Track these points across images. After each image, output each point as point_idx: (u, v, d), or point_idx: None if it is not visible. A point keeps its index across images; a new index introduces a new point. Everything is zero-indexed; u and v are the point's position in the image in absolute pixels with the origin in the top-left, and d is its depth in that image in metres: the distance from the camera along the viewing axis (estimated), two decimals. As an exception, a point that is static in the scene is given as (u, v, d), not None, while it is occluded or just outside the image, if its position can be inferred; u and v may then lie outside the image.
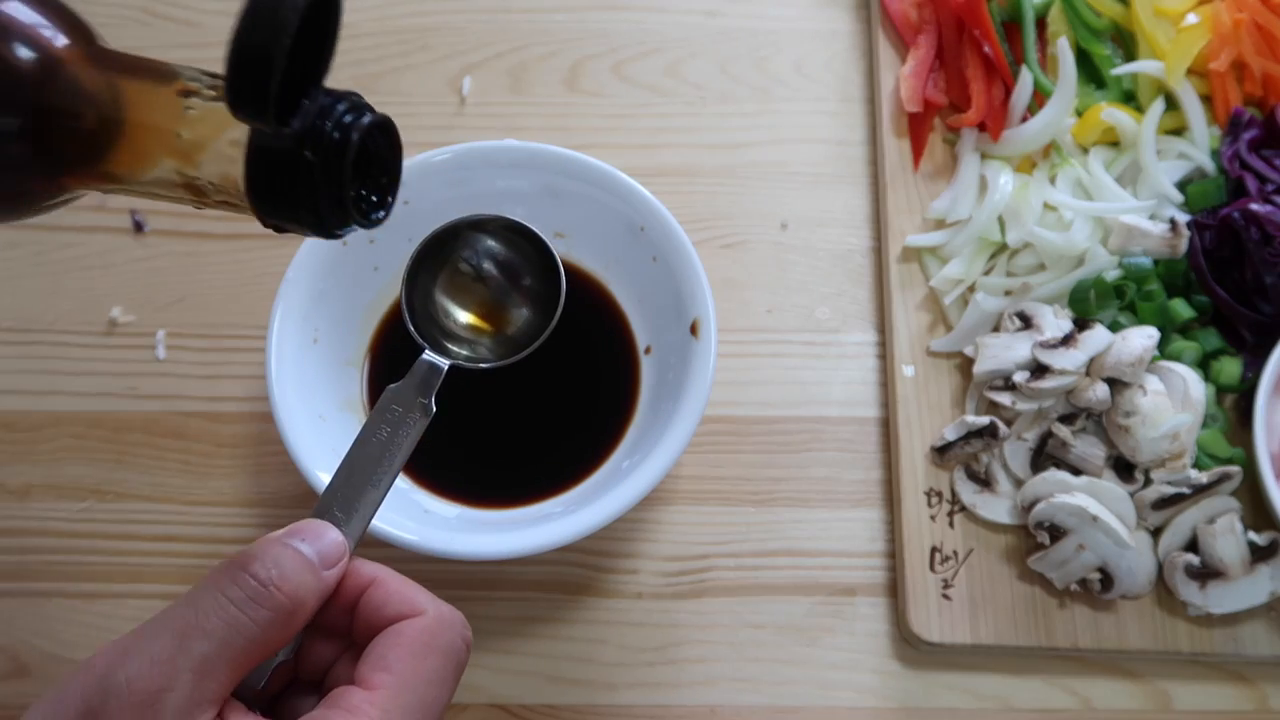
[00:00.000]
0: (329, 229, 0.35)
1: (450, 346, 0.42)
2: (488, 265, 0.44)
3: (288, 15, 0.29)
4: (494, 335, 0.43)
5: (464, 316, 0.43)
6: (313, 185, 0.33)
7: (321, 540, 0.37)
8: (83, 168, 0.36)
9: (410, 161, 0.58)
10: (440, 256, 0.44)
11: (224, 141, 0.34)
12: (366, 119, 0.34)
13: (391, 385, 0.40)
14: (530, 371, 0.60)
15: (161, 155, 0.35)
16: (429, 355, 0.41)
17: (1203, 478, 0.56)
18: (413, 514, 0.54)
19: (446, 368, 0.41)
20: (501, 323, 0.43)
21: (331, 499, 0.39)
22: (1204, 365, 0.60)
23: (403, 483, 0.56)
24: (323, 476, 0.51)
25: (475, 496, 0.56)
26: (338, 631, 0.38)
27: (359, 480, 0.39)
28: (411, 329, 0.42)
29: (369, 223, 0.36)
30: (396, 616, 0.37)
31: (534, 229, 0.43)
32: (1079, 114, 0.66)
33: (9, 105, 0.35)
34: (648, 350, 0.59)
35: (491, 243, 0.43)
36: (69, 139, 0.36)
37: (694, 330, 0.55)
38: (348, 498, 0.39)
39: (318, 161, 0.33)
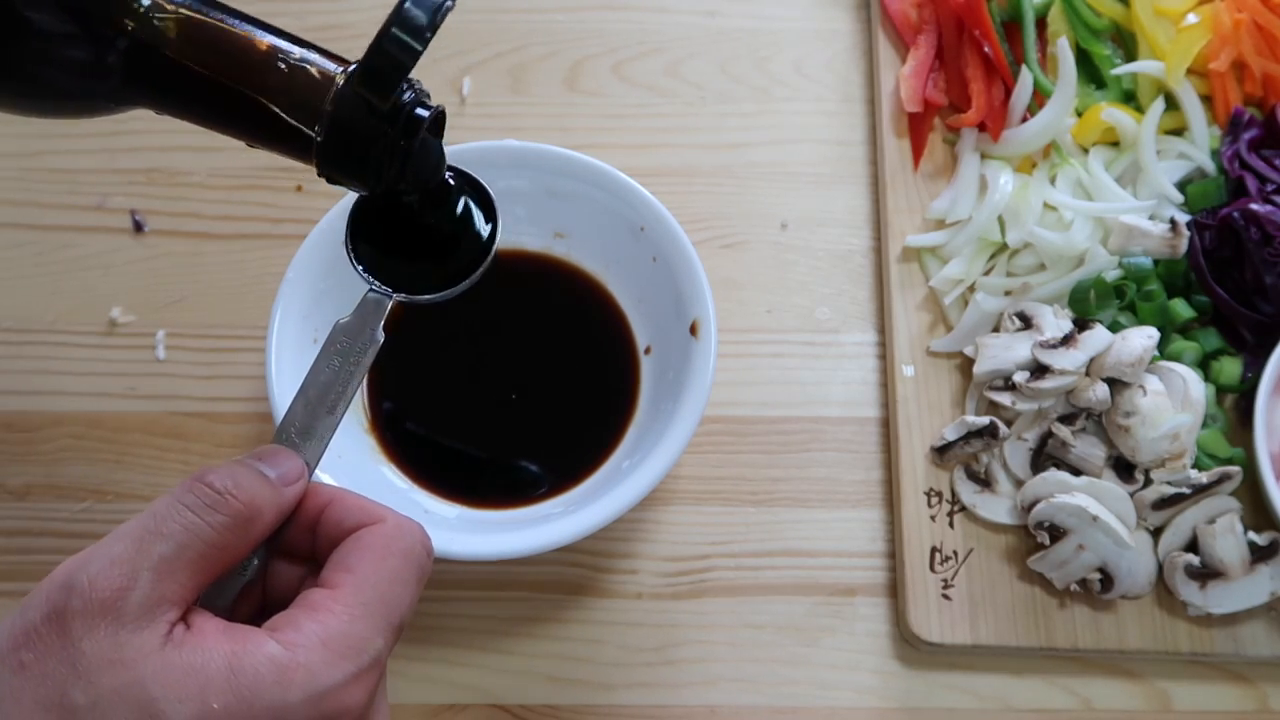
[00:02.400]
0: (377, 187, 0.42)
1: (395, 282, 0.44)
2: (431, 208, 0.46)
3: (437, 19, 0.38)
4: (437, 273, 0.45)
5: (408, 255, 0.45)
6: (385, 154, 0.40)
7: (280, 461, 0.38)
8: (168, 89, 0.42)
9: None
10: (383, 200, 0.46)
11: (305, 101, 0.40)
12: (433, 109, 0.41)
13: (340, 320, 0.42)
14: (531, 371, 0.60)
15: (237, 98, 0.41)
16: (375, 290, 0.43)
17: (1203, 478, 0.56)
18: (413, 514, 0.54)
19: (391, 300, 0.43)
20: (444, 262, 0.45)
21: (289, 426, 0.41)
22: (1204, 365, 0.60)
23: (402, 482, 0.56)
24: (323, 476, 0.51)
25: (475, 496, 0.56)
26: (302, 554, 0.39)
27: (315, 408, 0.41)
28: (355, 266, 0.44)
29: (419, 185, 0.43)
30: (356, 527, 0.38)
31: (474, 174, 0.46)
32: (1079, 114, 0.66)
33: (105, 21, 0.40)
34: (648, 350, 0.59)
35: (435, 187, 0.46)
36: (159, 58, 0.41)
37: (694, 330, 0.55)
38: (305, 424, 0.41)
39: (395, 135, 0.40)
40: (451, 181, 0.46)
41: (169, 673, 0.32)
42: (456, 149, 0.58)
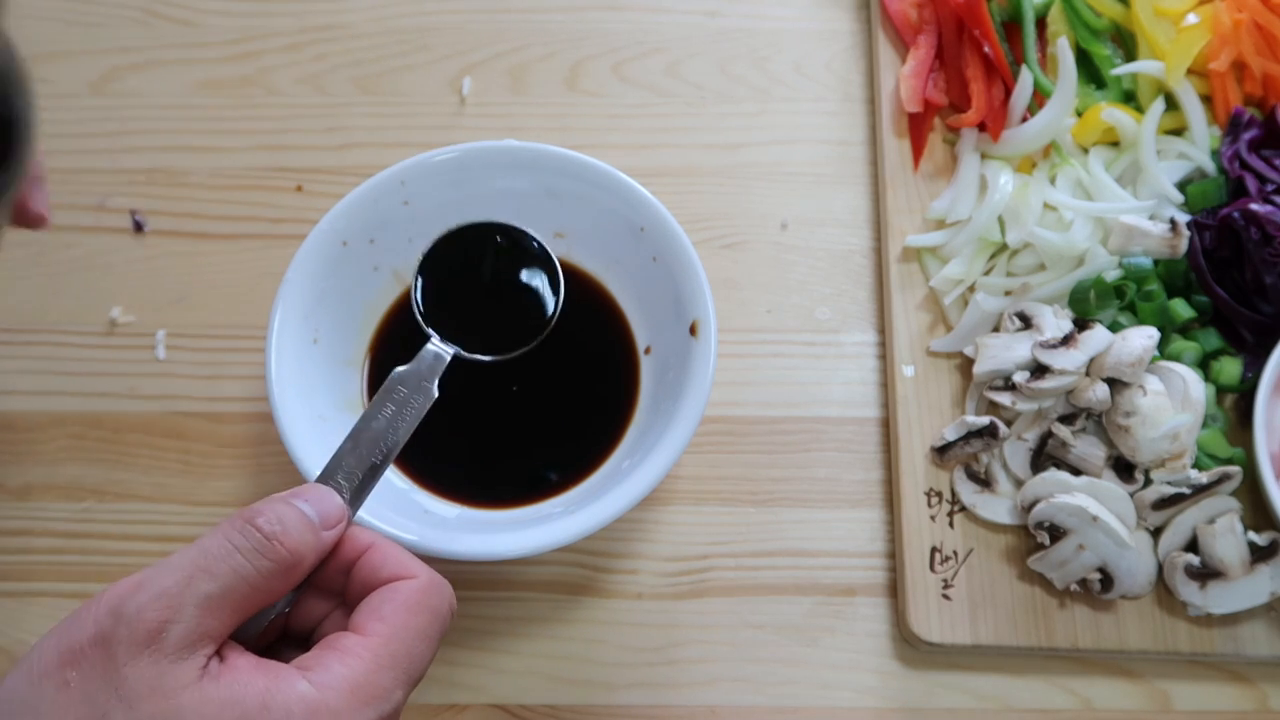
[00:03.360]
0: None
1: (454, 338, 0.45)
2: (494, 266, 0.48)
3: None
4: (496, 331, 0.47)
5: (468, 311, 0.47)
6: None
7: (323, 503, 0.39)
8: None
9: (410, 162, 0.58)
10: (449, 254, 0.48)
11: None
12: None
13: (399, 368, 0.43)
14: (531, 371, 0.60)
15: None
16: (435, 344, 0.44)
17: (1203, 478, 0.56)
18: (413, 514, 0.54)
19: (450, 356, 0.44)
20: (503, 320, 0.48)
21: (336, 467, 0.41)
22: (1204, 365, 0.60)
23: (402, 482, 0.56)
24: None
25: (475, 496, 0.56)
26: (331, 590, 0.41)
27: (363, 453, 0.42)
28: (420, 318, 0.46)
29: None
30: (392, 577, 0.39)
31: (538, 237, 0.48)
32: (1079, 114, 0.66)
33: None
34: (648, 350, 0.59)
35: (499, 245, 0.48)
36: None
37: (694, 331, 0.55)
38: (351, 468, 0.41)
39: None
40: (509, 244, 0.49)
41: (206, 705, 0.34)
42: (457, 149, 0.58)
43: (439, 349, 0.44)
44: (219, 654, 0.36)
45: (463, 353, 0.44)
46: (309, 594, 0.41)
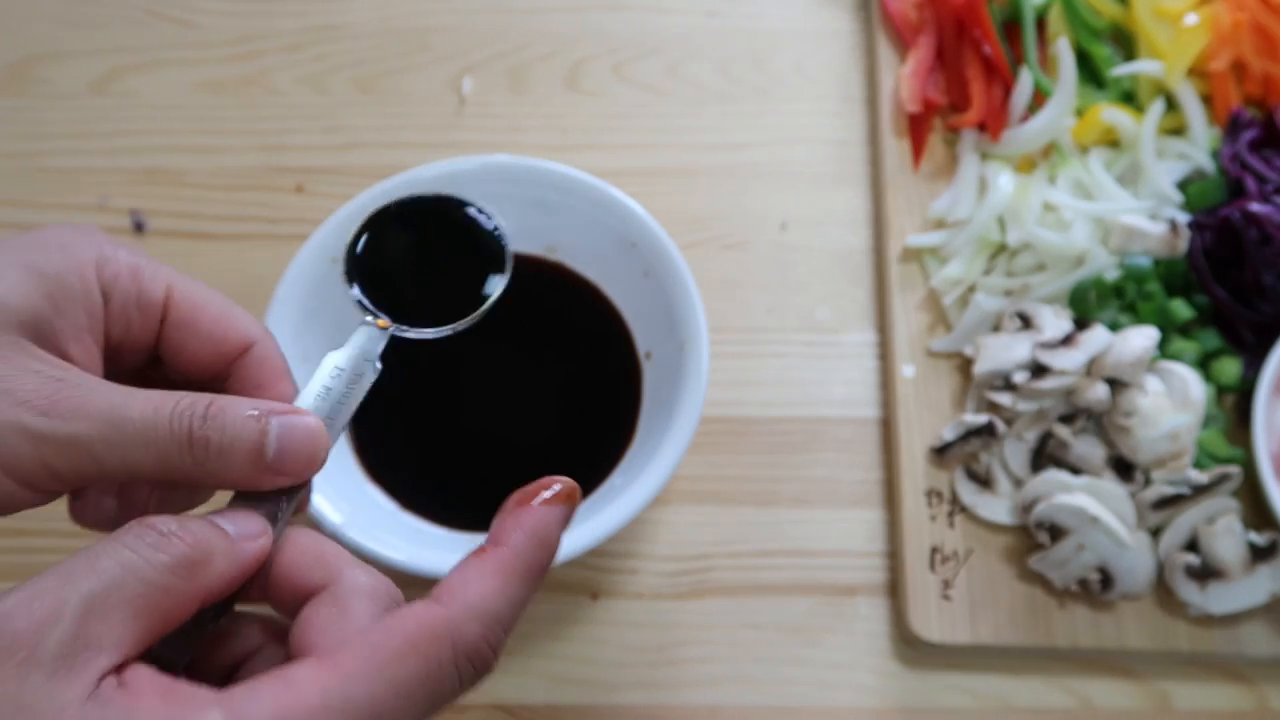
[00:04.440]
0: None
1: (394, 315, 0.42)
2: (433, 241, 0.45)
3: None
4: (439, 309, 0.43)
5: (408, 289, 0.44)
6: None
7: (236, 518, 0.34)
8: None
9: (400, 178, 0.57)
10: (385, 231, 0.45)
11: None
12: None
13: (332, 352, 0.40)
14: (533, 376, 0.60)
15: None
16: (368, 322, 0.41)
17: (1203, 478, 0.56)
18: (402, 534, 0.53)
19: (389, 333, 0.41)
20: (447, 297, 0.44)
21: None
22: (1204, 365, 0.60)
23: (388, 503, 0.55)
24: (318, 501, 0.50)
25: (467, 524, 0.55)
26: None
27: None
28: (353, 292, 0.43)
29: None
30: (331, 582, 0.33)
31: (484, 209, 0.45)
32: (1079, 114, 0.66)
33: None
34: (648, 355, 0.59)
35: (440, 219, 0.45)
36: None
37: (684, 350, 0.54)
38: None
39: None
40: (451, 218, 0.45)
41: None
42: (445, 166, 0.58)
43: (373, 328, 0.41)
44: (119, 675, 0.29)
45: (402, 331, 0.41)
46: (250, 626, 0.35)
